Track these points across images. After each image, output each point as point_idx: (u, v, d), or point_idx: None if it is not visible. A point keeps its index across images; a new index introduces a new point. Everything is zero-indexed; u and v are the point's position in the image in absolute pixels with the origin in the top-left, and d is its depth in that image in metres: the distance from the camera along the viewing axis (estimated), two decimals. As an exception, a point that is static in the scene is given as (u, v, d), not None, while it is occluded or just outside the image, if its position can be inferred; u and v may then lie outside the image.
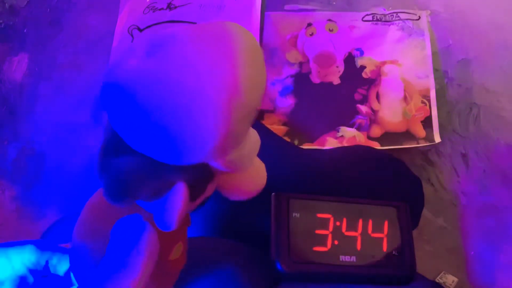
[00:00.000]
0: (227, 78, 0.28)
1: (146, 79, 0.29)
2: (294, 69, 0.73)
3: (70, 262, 0.39)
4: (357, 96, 0.70)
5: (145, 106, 0.28)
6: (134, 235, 0.34)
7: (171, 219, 0.31)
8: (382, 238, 0.50)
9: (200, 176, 0.33)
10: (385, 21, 0.74)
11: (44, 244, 0.41)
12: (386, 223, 0.50)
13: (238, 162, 0.33)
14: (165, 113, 0.28)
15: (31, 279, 0.40)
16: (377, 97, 0.70)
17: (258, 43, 0.32)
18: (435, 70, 0.70)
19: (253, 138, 0.35)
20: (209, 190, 0.35)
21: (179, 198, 0.32)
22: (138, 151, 0.31)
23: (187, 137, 0.29)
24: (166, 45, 0.29)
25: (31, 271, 0.40)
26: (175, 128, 0.29)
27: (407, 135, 0.67)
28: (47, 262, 0.40)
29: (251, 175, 0.39)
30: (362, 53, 0.73)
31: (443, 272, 0.60)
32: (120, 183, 0.31)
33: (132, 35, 0.75)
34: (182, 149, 0.29)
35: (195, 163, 0.31)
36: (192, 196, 0.33)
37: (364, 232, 0.50)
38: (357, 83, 0.71)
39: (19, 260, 0.40)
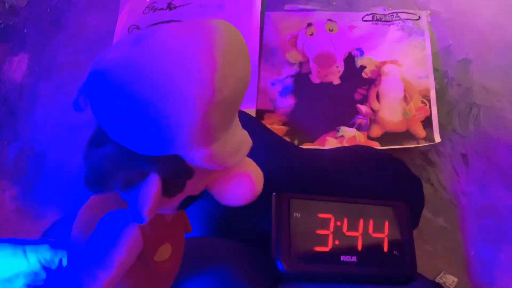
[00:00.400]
0: (203, 70, 0.29)
1: (126, 65, 0.29)
2: (294, 69, 0.73)
3: (67, 254, 0.39)
4: (357, 96, 0.70)
5: (121, 91, 0.29)
6: (115, 231, 0.34)
7: (142, 210, 0.31)
8: (382, 238, 0.50)
9: (174, 169, 0.32)
10: (385, 21, 0.74)
11: (59, 243, 0.42)
12: (386, 223, 0.50)
13: (217, 159, 0.32)
14: (141, 99, 0.29)
15: (43, 275, 0.41)
16: (377, 97, 0.70)
17: (242, 39, 0.32)
18: (435, 70, 0.70)
19: (240, 138, 0.34)
20: (190, 188, 0.34)
21: (151, 189, 0.32)
22: (115, 140, 0.31)
23: (159, 124, 0.29)
24: (150, 36, 0.30)
25: (45, 268, 0.41)
26: (149, 114, 0.29)
27: (407, 135, 0.67)
28: (60, 260, 0.41)
29: (244, 180, 0.38)
30: (362, 53, 0.73)
31: (443, 272, 0.60)
32: (93, 171, 0.32)
33: (132, 35, 0.75)
34: (154, 136, 0.30)
35: (168, 154, 0.31)
36: (168, 191, 0.33)
37: (365, 232, 0.50)
38: (357, 83, 0.71)
39: (35, 256, 0.41)
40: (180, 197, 0.35)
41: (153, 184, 0.32)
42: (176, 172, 0.33)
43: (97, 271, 0.33)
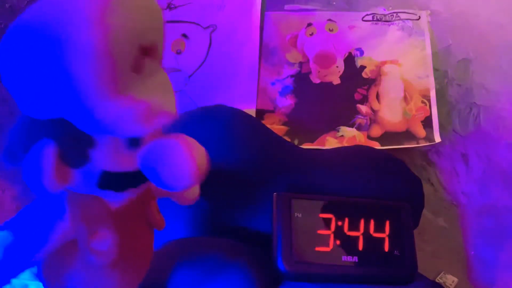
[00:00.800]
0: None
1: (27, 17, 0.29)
2: (294, 69, 0.73)
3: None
4: (357, 96, 0.70)
5: (16, 30, 0.28)
6: (48, 219, 0.34)
7: (39, 176, 0.31)
8: (383, 238, 0.50)
9: (70, 134, 0.31)
10: (385, 21, 0.74)
11: None
12: (387, 223, 0.50)
13: (118, 120, 0.29)
14: (33, 36, 0.28)
15: None
16: (377, 97, 0.70)
17: None
18: (435, 70, 0.70)
19: (156, 102, 0.31)
20: (103, 161, 0.33)
21: (44, 153, 0.31)
22: (17, 103, 0.31)
23: (52, 67, 0.28)
24: None
25: None
26: (42, 58, 0.28)
27: (407, 135, 0.67)
28: None
29: (178, 152, 0.32)
30: (362, 53, 0.73)
31: (443, 272, 0.60)
32: (5, 142, 0.32)
33: (132, 35, 0.75)
34: (50, 87, 0.28)
35: (62, 116, 0.30)
36: (70, 160, 0.32)
37: (366, 232, 0.50)
38: (357, 83, 0.71)
39: None
40: (91, 171, 0.33)
41: (46, 149, 0.31)
42: (72, 138, 0.32)
43: (22, 254, 0.34)
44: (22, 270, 0.34)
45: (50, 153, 0.31)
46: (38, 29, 0.28)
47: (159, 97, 0.31)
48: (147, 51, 0.30)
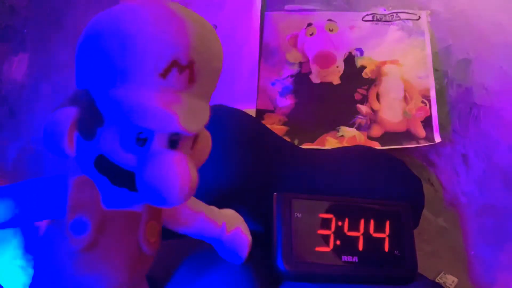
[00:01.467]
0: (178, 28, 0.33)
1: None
2: (294, 69, 0.73)
3: None
4: (357, 96, 0.70)
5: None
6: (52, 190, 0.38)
7: (53, 131, 0.34)
8: (383, 238, 0.50)
9: (89, 107, 0.34)
10: (385, 21, 0.74)
11: None
12: (387, 223, 0.50)
13: (148, 112, 0.32)
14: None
15: None
16: (377, 97, 0.70)
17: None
18: (435, 70, 0.70)
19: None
20: (103, 144, 0.34)
21: (65, 115, 0.34)
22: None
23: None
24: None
25: None
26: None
27: (407, 135, 0.67)
28: None
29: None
30: (362, 53, 0.73)
31: (443, 272, 0.60)
32: None
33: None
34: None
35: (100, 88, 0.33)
36: (81, 128, 0.34)
37: (366, 232, 0.50)
38: (357, 83, 0.71)
39: None
40: (93, 148, 0.34)
41: (68, 112, 0.34)
42: (89, 110, 0.34)
43: None
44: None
45: (71, 116, 0.34)
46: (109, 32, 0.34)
47: (180, 112, 0.33)
48: (176, 65, 0.33)
